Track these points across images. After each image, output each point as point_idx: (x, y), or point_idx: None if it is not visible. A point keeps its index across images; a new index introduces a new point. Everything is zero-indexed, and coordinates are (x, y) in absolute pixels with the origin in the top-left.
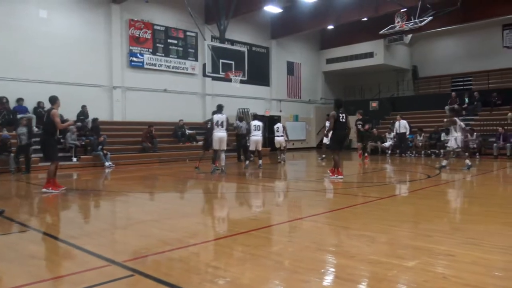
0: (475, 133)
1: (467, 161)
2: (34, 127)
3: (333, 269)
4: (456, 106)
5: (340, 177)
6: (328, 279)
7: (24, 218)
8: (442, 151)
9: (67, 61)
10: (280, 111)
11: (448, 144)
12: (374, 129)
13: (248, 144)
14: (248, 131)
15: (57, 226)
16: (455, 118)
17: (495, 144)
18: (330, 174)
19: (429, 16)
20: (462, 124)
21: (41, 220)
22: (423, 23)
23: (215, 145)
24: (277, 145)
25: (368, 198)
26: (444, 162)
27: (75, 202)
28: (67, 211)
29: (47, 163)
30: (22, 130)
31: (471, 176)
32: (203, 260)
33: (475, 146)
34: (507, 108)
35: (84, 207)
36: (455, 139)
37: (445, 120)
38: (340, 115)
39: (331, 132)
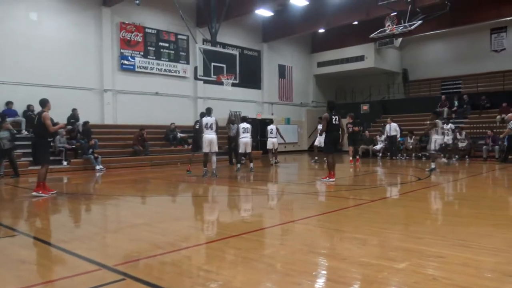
0: (464, 132)
1: (443, 159)
2: (24, 131)
3: (324, 272)
4: (446, 109)
5: (331, 180)
6: (320, 282)
7: (13, 222)
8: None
9: (58, 64)
10: (272, 114)
11: (428, 147)
12: (366, 131)
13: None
14: (238, 134)
15: (48, 230)
16: (436, 121)
17: (484, 147)
18: (328, 177)
19: (419, 20)
20: (452, 125)
21: (31, 224)
22: (413, 27)
23: (205, 148)
24: (270, 146)
25: (359, 201)
26: (433, 165)
27: (66, 206)
28: (57, 215)
29: (37, 166)
30: (5, 134)
31: (461, 179)
32: (195, 263)
33: (464, 145)
34: (496, 111)
35: (75, 211)
36: (435, 141)
37: (426, 122)
38: (333, 117)
39: (324, 133)
